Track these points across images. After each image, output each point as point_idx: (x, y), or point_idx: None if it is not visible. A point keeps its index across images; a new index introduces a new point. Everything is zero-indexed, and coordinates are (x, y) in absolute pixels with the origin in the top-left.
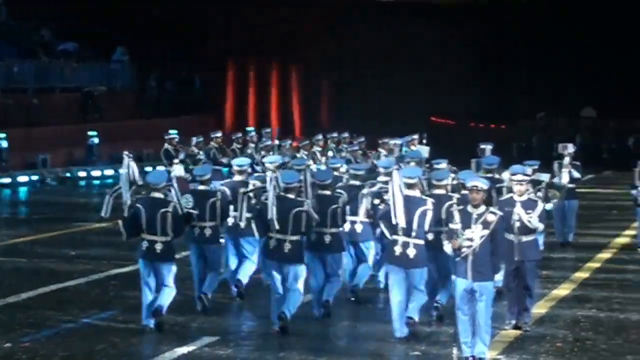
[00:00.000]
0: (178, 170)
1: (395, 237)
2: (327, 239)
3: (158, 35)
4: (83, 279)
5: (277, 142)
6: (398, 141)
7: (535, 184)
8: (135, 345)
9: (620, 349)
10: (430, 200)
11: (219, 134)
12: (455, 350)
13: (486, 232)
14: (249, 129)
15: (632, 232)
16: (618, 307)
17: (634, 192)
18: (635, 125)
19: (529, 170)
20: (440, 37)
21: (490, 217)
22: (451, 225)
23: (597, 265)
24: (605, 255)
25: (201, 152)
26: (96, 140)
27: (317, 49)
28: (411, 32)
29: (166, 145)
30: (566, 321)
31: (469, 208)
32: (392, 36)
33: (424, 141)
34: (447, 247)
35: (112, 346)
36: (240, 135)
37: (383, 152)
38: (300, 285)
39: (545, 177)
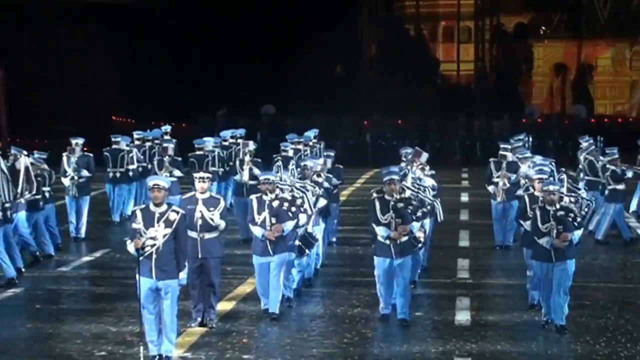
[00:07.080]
0: None
1: None
2: None
3: None
4: None
5: None
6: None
7: None
8: None
9: (304, 342)
10: None
11: None
12: (142, 349)
13: (169, 230)
14: None
15: None
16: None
17: None
18: (315, 122)
19: None
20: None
21: (173, 216)
22: (134, 225)
23: None
24: None
25: None
26: None
27: None
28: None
29: None
30: (251, 317)
31: (151, 207)
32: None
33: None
34: (130, 247)
35: None
36: None
37: None
38: None
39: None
